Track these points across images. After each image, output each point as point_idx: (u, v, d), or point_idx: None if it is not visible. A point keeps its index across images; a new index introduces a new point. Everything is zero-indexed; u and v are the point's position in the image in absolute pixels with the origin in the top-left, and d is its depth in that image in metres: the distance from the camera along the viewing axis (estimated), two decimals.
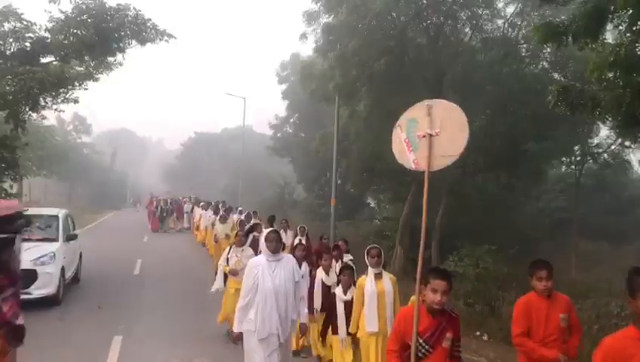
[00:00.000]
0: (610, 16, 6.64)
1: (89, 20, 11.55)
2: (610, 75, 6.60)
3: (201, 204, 24.83)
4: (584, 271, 15.59)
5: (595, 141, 17.16)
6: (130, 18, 11.91)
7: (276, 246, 5.48)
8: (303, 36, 17.58)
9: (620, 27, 6.81)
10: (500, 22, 17.38)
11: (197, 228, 23.97)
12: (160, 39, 12.42)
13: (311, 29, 17.51)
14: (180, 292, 13.23)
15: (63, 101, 15.57)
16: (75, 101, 15.81)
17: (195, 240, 24.17)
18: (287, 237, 12.25)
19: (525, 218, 19.80)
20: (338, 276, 7.00)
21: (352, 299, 6.30)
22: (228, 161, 56.58)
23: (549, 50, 16.66)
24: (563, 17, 14.74)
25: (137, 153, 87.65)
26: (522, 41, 17.39)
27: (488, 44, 17.11)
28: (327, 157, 23.74)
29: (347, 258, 8.83)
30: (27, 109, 14.89)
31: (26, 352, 7.79)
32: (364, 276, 6.18)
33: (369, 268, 6.16)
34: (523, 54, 17.57)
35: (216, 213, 19.35)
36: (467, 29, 17.81)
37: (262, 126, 59.76)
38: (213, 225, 18.04)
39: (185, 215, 30.30)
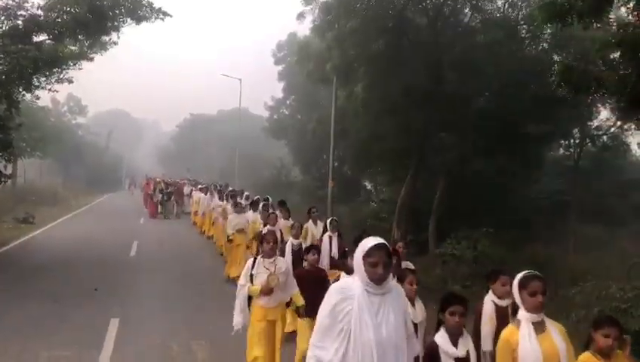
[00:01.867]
0: None
1: None
2: (616, 55, 6.49)
3: (200, 186, 22.76)
4: (582, 254, 15.60)
5: (595, 123, 17.05)
6: None
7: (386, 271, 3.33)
8: (301, 15, 17.25)
9: (628, 6, 6.66)
10: (500, 2, 17.12)
11: (195, 213, 22.16)
12: (156, 17, 12.16)
13: (309, 8, 17.21)
14: (177, 275, 13.17)
15: (57, 81, 15.36)
16: (70, 81, 15.59)
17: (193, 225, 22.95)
18: (317, 230, 10.15)
19: (522, 201, 19.74)
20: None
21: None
22: (224, 142, 56.30)
23: (549, 31, 16.47)
24: None
25: (132, 135, 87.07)
26: (522, 22, 17.16)
27: (488, 25, 16.87)
28: (324, 138, 23.64)
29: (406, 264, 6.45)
30: (20, 89, 14.68)
31: (22, 333, 7.80)
32: (511, 326, 3.80)
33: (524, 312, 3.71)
34: (523, 35, 17.36)
35: (223, 198, 16.89)
36: (467, 10, 17.56)
37: (258, 108, 59.45)
38: (224, 212, 15.00)
39: (185, 198, 28.13)
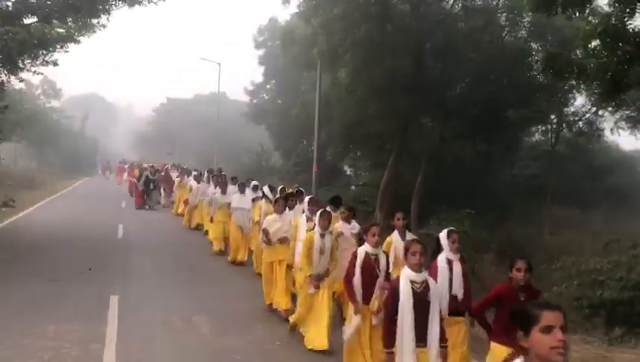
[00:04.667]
0: None
1: None
2: (597, 43, 6.93)
3: (194, 173, 19.98)
4: (557, 234, 16.27)
5: (571, 110, 17.70)
6: None
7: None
8: (286, 1, 17.46)
9: None
10: None
11: (185, 203, 18.86)
12: (149, 1, 12.17)
13: None
14: (166, 254, 13.51)
15: (41, 63, 15.28)
16: (55, 63, 15.49)
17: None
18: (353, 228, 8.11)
19: (500, 184, 20.39)
20: None
21: None
22: (201, 127, 56.03)
23: (527, 19, 17.01)
24: None
25: (106, 118, 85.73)
26: (502, 10, 17.65)
27: (469, 12, 17.32)
28: (306, 124, 23.86)
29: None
30: (5, 72, 14.60)
31: (25, 311, 8.00)
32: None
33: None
34: (502, 23, 17.86)
35: (221, 186, 14.32)
36: None
37: (235, 92, 59.25)
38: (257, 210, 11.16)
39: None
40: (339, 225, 7.92)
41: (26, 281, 9.92)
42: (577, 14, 7.22)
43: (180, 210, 20.41)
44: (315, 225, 7.22)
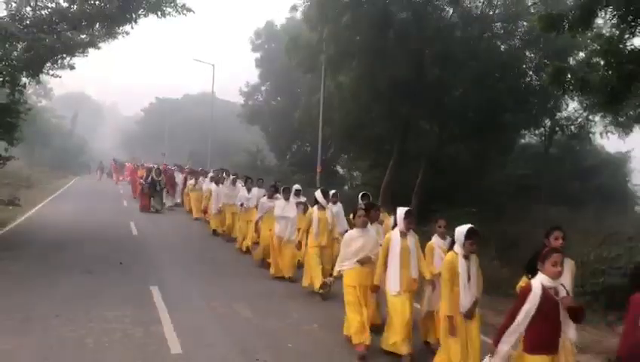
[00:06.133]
0: (599, 9, 7.85)
1: None
2: (600, 60, 7.86)
3: (210, 175, 18.91)
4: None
5: (564, 115, 18.86)
6: None
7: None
8: (294, 9, 18.33)
9: (612, 20, 8.06)
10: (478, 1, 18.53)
11: (205, 211, 18.28)
12: (178, 13, 12.78)
13: (301, 1, 18.30)
14: (187, 248, 14.45)
15: (60, 67, 15.86)
16: (72, 67, 16.08)
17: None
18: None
19: (493, 184, 21.42)
20: None
21: None
22: (192, 127, 56.51)
23: (521, 30, 18.06)
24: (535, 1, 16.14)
25: (93, 118, 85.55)
26: (496, 19, 18.62)
27: (466, 21, 18.28)
28: (308, 125, 24.65)
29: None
30: (27, 75, 15.12)
31: (78, 299, 8.66)
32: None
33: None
34: (496, 31, 18.85)
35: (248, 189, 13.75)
36: (447, 8, 18.87)
37: (224, 92, 59.86)
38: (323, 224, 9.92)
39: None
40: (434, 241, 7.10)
41: (64, 274, 10.55)
42: (582, 33, 8.20)
43: (197, 214, 19.88)
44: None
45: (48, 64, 15.31)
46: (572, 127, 18.34)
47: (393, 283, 6.75)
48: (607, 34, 8.45)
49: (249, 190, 13.95)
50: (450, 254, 5.97)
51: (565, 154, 20.31)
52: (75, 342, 6.76)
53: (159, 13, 12.35)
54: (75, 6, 11.87)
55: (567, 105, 18.15)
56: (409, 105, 17.99)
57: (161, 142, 58.56)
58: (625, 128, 16.86)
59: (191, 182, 21.14)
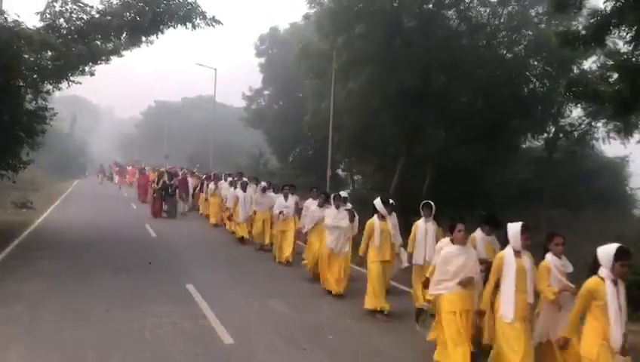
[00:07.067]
0: (612, 28, 8.50)
1: (146, 8, 12.25)
2: (613, 74, 8.53)
3: (229, 179, 18.13)
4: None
5: (568, 121, 19.64)
6: (180, 1, 12.55)
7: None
8: (306, 17, 18.95)
9: (626, 39, 8.72)
10: (483, 10, 19.21)
11: (229, 218, 17.23)
12: (208, 25, 13.26)
13: (312, 11, 18.92)
14: (210, 249, 15.04)
15: (80, 72, 16.30)
16: (92, 74, 16.51)
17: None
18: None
19: (495, 187, 22.09)
20: None
21: None
22: (192, 130, 56.96)
23: (525, 39, 18.76)
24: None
25: (90, 120, 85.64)
26: (502, 29, 19.32)
27: (473, 30, 18.98)
28: (319, 130, 25.22)
29: None
30: (52, 82, 15.56)
31: (121, 296, 9.15)
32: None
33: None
34: (501, 40, 19.55)
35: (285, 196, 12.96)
36: (452, 14, 19.54)
37: (222, 96, 60.38)
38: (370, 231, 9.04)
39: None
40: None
41: (100, 272, 11.05)
42: (595, 50, 8.87)
43: (214, 221, 19.59)
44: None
45: (71, 70, 15.74)
46: (575, 133, 19.08)
47: (507, 310, 5.77)
48: (621, 49, 9.14)
49: (286, 196, 13.02)
50: (593, 280, 4.98)
51: (567, 159, 21.03)
52: (133, 334, 7.29)
53: (189, 24, 12.92)
54: (110, 17, 12.29)
55: (571, 111, 18.91)
56: (417, 111, 18.65)
57: (159, 145, 58.93)
58: (627, 134, 17.58)
59: (211, 186, 20.41)
